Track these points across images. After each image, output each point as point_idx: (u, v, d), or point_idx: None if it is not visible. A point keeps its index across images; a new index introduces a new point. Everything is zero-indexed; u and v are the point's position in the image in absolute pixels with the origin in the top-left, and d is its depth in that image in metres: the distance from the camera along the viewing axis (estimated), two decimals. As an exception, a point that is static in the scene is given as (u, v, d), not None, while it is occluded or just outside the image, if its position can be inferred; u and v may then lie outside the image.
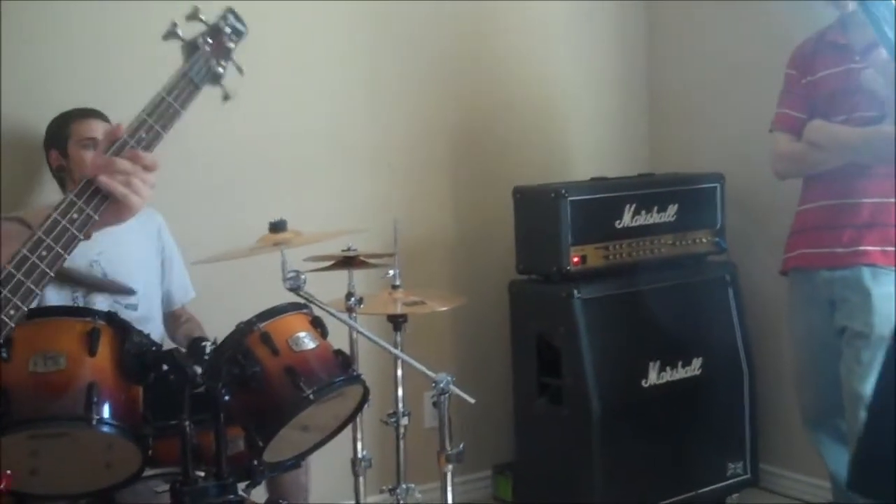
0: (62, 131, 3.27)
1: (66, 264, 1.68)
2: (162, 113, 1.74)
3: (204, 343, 2.66)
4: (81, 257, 3.20)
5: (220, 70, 1.84)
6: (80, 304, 3.10)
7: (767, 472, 4.33)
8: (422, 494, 3.47)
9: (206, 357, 2.65)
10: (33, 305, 1.67)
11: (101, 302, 3.15)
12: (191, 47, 1.82)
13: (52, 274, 1.63)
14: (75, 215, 1.64)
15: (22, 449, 2.29)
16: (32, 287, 1.61)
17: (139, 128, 1.73)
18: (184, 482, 2.41)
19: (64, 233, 1.64)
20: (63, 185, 3.30)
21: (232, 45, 1.88)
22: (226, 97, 1.88)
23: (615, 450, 3.85)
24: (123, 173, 1.68)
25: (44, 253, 1.62)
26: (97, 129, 3.25)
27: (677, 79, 4.74)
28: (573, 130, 4.69)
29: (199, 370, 2.51)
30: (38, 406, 2.26)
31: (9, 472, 1.70)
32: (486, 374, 4.24)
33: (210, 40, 1.84)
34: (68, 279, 2.99)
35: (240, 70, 1.89)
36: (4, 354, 2.26)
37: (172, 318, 3.47)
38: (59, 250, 1.63)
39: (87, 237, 1.69)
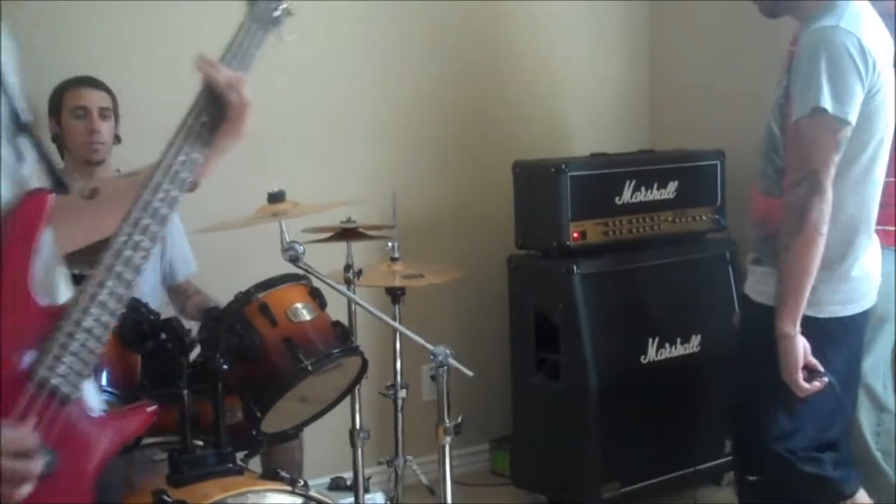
0: (56, 100, 3.27)
1: None
2: (240, 58, 1.82)
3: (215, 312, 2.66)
4: None
5: (277, 14, 1.90)
6: None
7: (764, 449, 4.34)
8: (419, 467, 3.48)
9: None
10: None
11: None
12: None
13: (171, 214, 1.65)
14: (183, 157, 1.69)
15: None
16: (157, 229, 1.64)
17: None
18: (182, 451, 2.40)
19: (176, 175, 1.68)
20: (61, 153, 3.29)
21: None
22: (279, 42, 1.92)
23: (612, 426, 3.86)
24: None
25: (161, 195, 1.65)
26: (88, 98, 3.24)
27: (679, 54, 4.73)
28: (574, 105, 4.68)
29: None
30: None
31: (151, 408, 1.70)
32: (484, 349, 4.24)
33: None
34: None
35: (288, 13, 1.92)
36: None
37: (179, 293, 3.45)
38: (175, 191, 1.67)
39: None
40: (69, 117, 3.24)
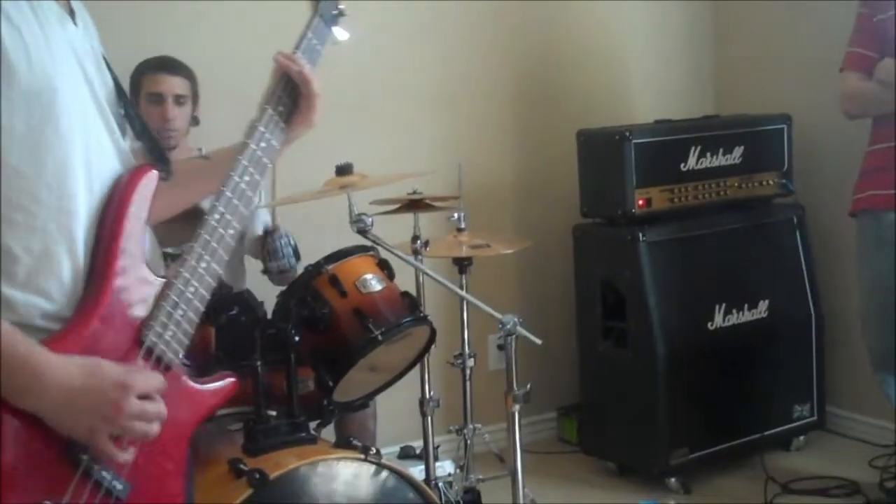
0: (135, 83, 3.28)
1: None
2: (309, 53, 1.96)
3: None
4: None
5: (336, 12, 2.05)
6: None
7: (834, 414, 4.31)
8: (489, 435, 3.51)
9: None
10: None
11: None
12: None
13: (253, 196, 1.76)
14: (263, 144, 1.79)
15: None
16: (244, 211, 1.74)
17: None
18: (257, 421, 2.45)
19: (259, 160, 1.78)
20: None
21: None
22: (335, 41, 2.08)
23: (680, 393, 3.86)
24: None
25: (247, 178, 1.75)
26: (164, 84, 3.26)
27: (744, 18, 4.67)
28: (637, 72, 4.65)
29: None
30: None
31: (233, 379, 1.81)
32: (550, 317, 4.25)
33: None
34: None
35: (343, 13, 2.09)
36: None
37: (257, 243, 3.48)
38: (257, 177, 1.77)
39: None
40: (145, 102, 3.26)
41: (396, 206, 3.20)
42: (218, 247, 1.69)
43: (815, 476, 3.86)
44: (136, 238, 1.63)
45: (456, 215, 3.30)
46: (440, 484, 3.20)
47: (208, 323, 2.44)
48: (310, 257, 2.74)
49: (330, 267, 2.65)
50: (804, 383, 4.18)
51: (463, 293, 2.96)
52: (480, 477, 3.39)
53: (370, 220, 2.66)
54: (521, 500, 2.69)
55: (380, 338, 2.56)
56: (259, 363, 2.45)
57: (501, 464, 3.46)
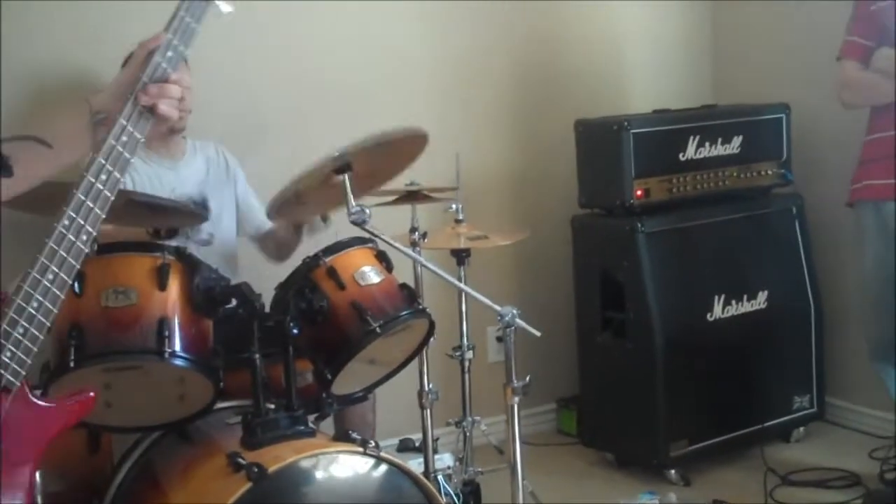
0: None
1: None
2: (183, 32, 1.84)
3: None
4: (162, 190, 3.25)
5: None
6: None
7: (833, 405, 4.31)
8: (488, 427, 3.50)
9: None
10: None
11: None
12: None
13: (112, 197, 1.71)
14: (125, 138, 1.74)
15: (96, 382, 2.33)
16: (99, 212, 1.69)
17: (167, 48, 1.82)
18: (255, 414, 2.44)
19: (118, 157, 1.74)
20: None
21: None
22: (223, 12, 1.96)
23: (679, 384, 3.85)
24: (172, 97, 1.80)
25: (104, 177, 1.70)
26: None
27: (742, 7, 4.65)
28: (635, 62, 4.63)
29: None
30: (111, 340, 2.31)
31: (91, 393, 1.78)
32: (549, 309, 4.24)
33: None
34: (147, 206, 3.00)
35: None
36: (77, 289, 2.30)
37: (270, 237, 3.49)
38: (116, 174, 1.72)
39: None
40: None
41: (394, 197, 3.18)
42: (67, 255, 1.64)
43: (814, 467, 3.86)
44: None
45: (454, 207, 3.29)
46: (439, 476, 3.19)
47: (206, 316, 2.42)
48: (307, 249, 2.72)
49: (328, 259, 2.64)
50: (804, 374, 4.18)
51: (461, 285, 2.95)
52: (480, 469, 3.39)
53: (368, 211, 2.64)
54: (521, 493, 2.68)
55: (378, 330, 2.56)
56: (257, 356, 2.44)
57: (500, 456, 3.45)
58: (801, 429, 4.20)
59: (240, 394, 2.57)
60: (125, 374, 2.35)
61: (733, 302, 3.99)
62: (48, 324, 1.64)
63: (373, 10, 3.99)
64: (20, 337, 1.60)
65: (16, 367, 1.60)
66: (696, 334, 3.91)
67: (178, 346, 2.33)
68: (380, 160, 2.70)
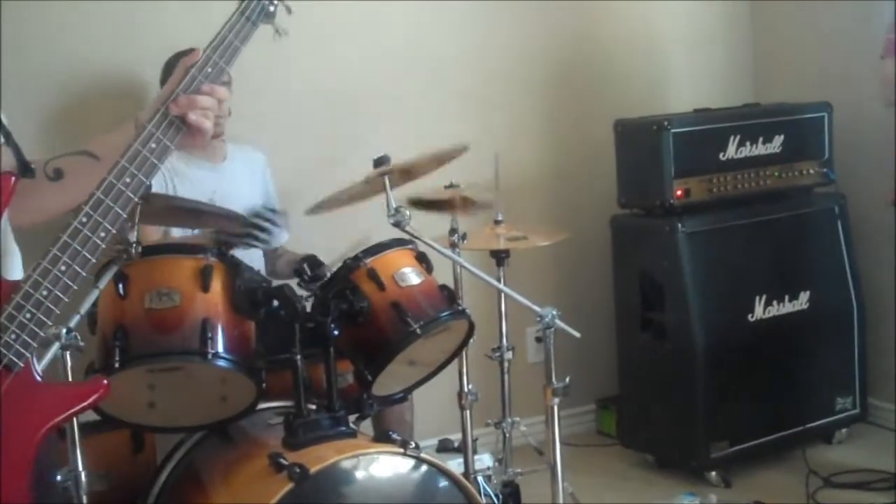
0: (171, 69, 3.31)
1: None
2: (224, 49, 1.86)
3: (317, 261, 2.69)
4: (199, 195, 3.29)
5: (272, 8, 1.94)
6: None
7: (876, 406, 4.26)
8: (527, 427, 3.50)
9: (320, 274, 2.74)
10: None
11: None
12: None
13: (136, 199, 1.76)
14: (153, 145, 1.77)
15: (140, 383, 2.37)
16: (119, 212, 1.73)
17: (205, 64, 1.84)
18: (297, 415, 2.45)
19: (144, 161, 1.76)
20: None
21: None
22: (277, 34, 1.98)
23: (720, 385, 3.83)
24: (204, 108, 1.81)
25: (127, 180, 1.74)
26: None
27: (783, 4, 4.61)
28: (675, 61, 4.61)
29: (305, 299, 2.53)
30: (155, 341, 2.32)
31: (105, 381, 1.84)
32: (589, 309, 4.22)
33: None
34: (187, 212, 3.02)
35: (288, 10, 1.98)
36: (121, 291, 2.33)
37: (271, 255, 3.52)
38: (142, 177, 1.75)
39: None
40: None
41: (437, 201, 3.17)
42: (82, 249, 1.70)
43: (857, 469, 3.82)
44: None
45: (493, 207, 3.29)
46: (479, 477, 3.19)
47: (248, 317, 2.44)
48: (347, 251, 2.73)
49: (368, 260, 2.65)
50: (846, 375, 4.14)
51: (501, 286, 2.96)
52: (519, 470, 3.38)
53: (407, 213, 2.65)
54: (560, 494, 2.69)
55: (418, 331, 2.56)
56: (298, 357, 2.45)
57: (540, 457, 3.45)
58: (844, 430, 4.17)
59: (281, 395, 2.58)
60: (168, 374, 2.37)
61: (775, 302, 3.96)
62: (57, 311, 1.70)
63: (411, 14, 4.00)
64: (26, 321, 1.66)
65: (19, 348, 1.66)
66: (737, 335, 3.88)
67: (220, 348, 2.34)
68: (420, 164, 2.72)
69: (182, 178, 3.30)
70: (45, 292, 1.67)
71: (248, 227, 2.84)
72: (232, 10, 1.90)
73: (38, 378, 1.72)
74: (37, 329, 1.67)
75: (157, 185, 3.21)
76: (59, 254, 1.69)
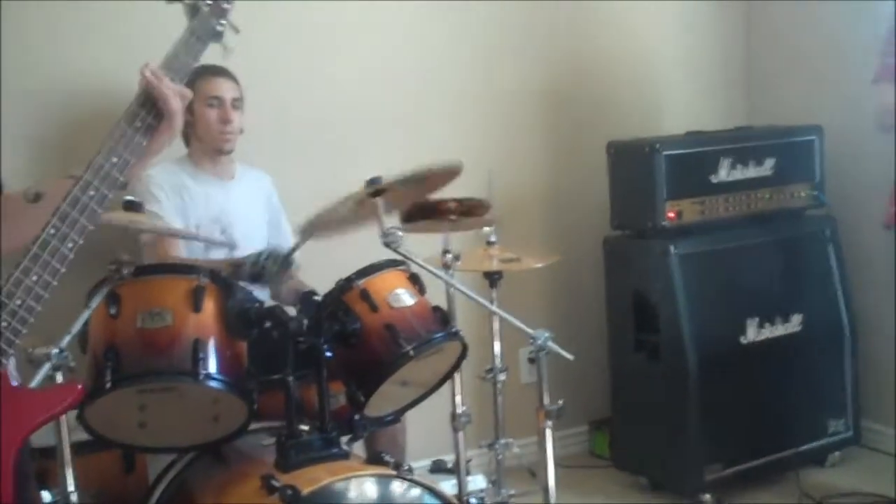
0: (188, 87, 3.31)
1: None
2: (178, 66, 1.97)
3: (315, 296, 2.69)
4: (208, 212, 3.29)
5: (220, 28, 2.03)
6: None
7: (869, 429, 4.26)
8: (520, 449, 3.49)
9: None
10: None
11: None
12: (192, 9, 2.02)
13: (101, 210, 1.84)
14: (115, 159, 1.86)
15: (131, 403, 2.36)
16: (86, 223, 1.81)
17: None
18: (289, 436, 2.44)
19: (108, 174, 1.85)
20: (187, 141, 3.38)
21: (227, 5, 2.05)
22: (225, 53, 2.07)
23: (713, 407, 3.83)
24: (169, 87, 1.93)
25: (91, 193, 1.83)
26: (222, 88, 3.32)
27: (776, 29, 4.64)
28: (668, 84, 4.63)
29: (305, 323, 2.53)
30: (146, 361, 2.32)
31: (80, 385, 1.91)
32: (581, 330, 4.23)
33: (209, 1, 2.03)
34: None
35: (235, 29, 2.06)
36: (113, 311, 2.33)
37: None
38: (104, 190, 1.84)
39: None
40: (202, 105, 3.30)
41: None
42: (52, 259, 1.76)
43: (850, 492, 3.82)
44: None
45: (486, 228, 3.29)
46: (472, 499, 3.17)
47: (240, 338, 2.43)
48: (340, 272, 2.73)
49: (361, 282, 2.65)
50: (839, 398, 4.14)
51: (493, 308, 2.95)
52: (512, 492, 3.38)
53: (400, 234, 2.65)
54: (554, 516, 2.68)
55: (411, 353, 2.55)
56: (291, 378, 2.45)
57: (533, 478, 3.43)
58: (837, 453, 4.16)
59: (273, 415, 2.58)
60: (160, 395, 2.36)
61: (767, 325, 3.96)
62: (31, 319, 1.76)
63: (406, 32, 4.02)
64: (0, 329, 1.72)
65: None
66: (730, 357, 3.89)
67: (212, 368, 2.34)
68: (414, 186, 2.72)
69: (191, 193, 3.32)
70: (18, 302, 1.73)
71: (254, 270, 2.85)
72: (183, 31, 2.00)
73: (15, 384, 1.74)
74: (12, 337, 1.72)
75: (169, 202, 3.24)
76: (31, 265, 1.75)
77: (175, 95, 1.91)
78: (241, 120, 3.41)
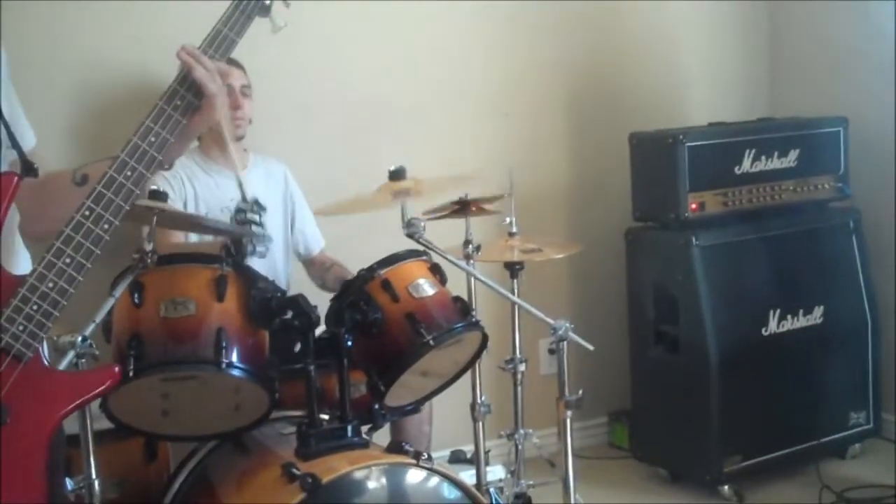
0: None
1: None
2: (221, 42, 1.92)
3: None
4: (219, 202, 3.31)
5: (268, 2, 1.98)
6: None
7: (890, 421, 4.25)
8: (539, 440, 3.49)
9: None
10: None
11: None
12: None
13: (137, 191, 1.82)
14: (153, 138, 1.83)
15: (154, 391, 2.37)
16: (122, 204, 1.80)
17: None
18: (309, 425, 2.45)
19: (144, 155, 1.82)
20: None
21: None
22: (274, 29, 2.00)
23: (733, 399, 3.82)
24: (209, 70, 1.88)
25: (128, 173, 1.81)
26: (231, 75, 3.32)
27: (799, 18, 4.61)
28: (690, 74, 4.61)
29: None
30: (170, 350, 2.33)
31: (116, 368, 1.88)
32: (602, 322, 4.22)
33: None
34: (197, 226, 3.05)
35: (285, 2, 2.01)
36: (136, 300, 2.34)
37: (317, 265, 3.56)
38: (142, 170, 1.82)
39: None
40: None
41: (447, 211, 3.18)
42: (86, 241, 1.75)
43: (870, 485, 3.81)
44: None
45: (507, 219, 3.29)
46: (491, 489, 3.19)
47: (262, 327, 2.45)
48: (362, 261, 2.74)
49: (382, 271, 2.65)
50: (860, 390, 4.13)
51: (514, 298, 2.96)
52: (531, 482, 3.37)
53: (422, 224, 2.66)
54: (572, 506, 2.69)
55: (432, 343, 2.56)
56: (312, 367, 2.46)
57: (552, 469, 3.44)
58: (857, 445, 4.16)
59: (294, 404, 2.59)
60: (183, 383, 2.38)
61: (789, 317, 3.95)
62: (63, 302, 1.74)
63: (432, 27, 4.02)
64: (32, 312, 1.70)
65: (27, 338, 1.70)
66: (751, 349, 3.88)
67: (234, 357, 2.34)
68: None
69: (200, 183, 3.33)
70: (50, 284, 1.72)
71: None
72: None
73: (50, 368, 1.75)
74: (44, 320, 1.71)
75: (178, 190, 3.26)
76: (63, 247, 1.74)
77: (215, 75, 1.88)
78: (250, 107, 3.43)
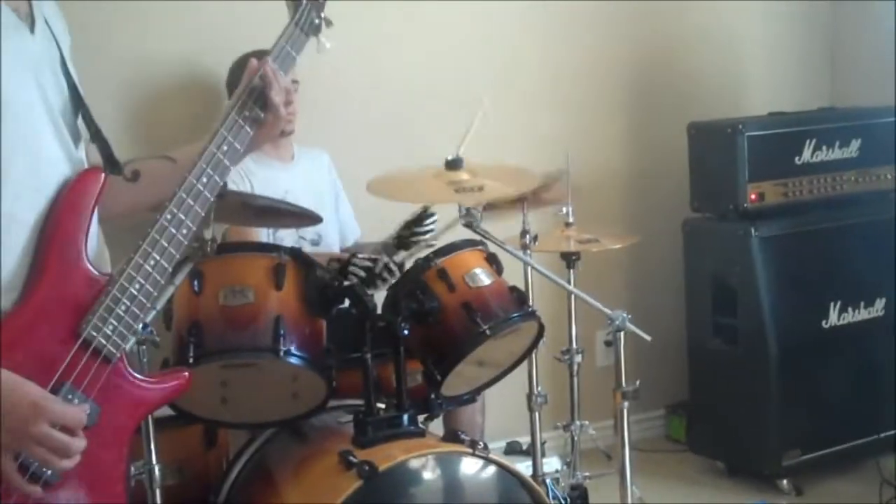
0: (241, 72, 3.35)
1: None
2: (283, 59, 1.97)
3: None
4: (273, 194, 3.33)
5: (317, 22, 2.04)
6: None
7: (952, 417, 4.17)
8: (595, 431, 3.48)
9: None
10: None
11: (285, 238, 3.24)
12: (296, 2, 2.02)
13: (212, 198, 1.85)
14: (225, 147, 1.87)
15: (213, 379, 2.40)
16: (199, 210, 1.82)
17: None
18: (366, 413, 2.46)
19: (219, 162, 1.86)
20: None
21: None
22: (320, 48, 2.07)
23: (793, 392, 3.78)
24: (284, 88, 1.94)
25: (205, 180, 1.83)
26: None
27: (861, 7, 4.54)
28: (750, 63, 4.57)
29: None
30: (229, 338, 2.36)
31: (186, 373, 1.90)
32: (659, 313, 4.18)
33: None
34: (263, 211, 3.06)
35: (328, 23, 2.06)
36: (196, 288, 2.37)
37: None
38: (217, 178, 1.85)
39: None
40: None
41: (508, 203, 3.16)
42: (168, 245, 1.77)
43: (932, 480, 3.75)
44: (75, 237, 1.71)
45: (564, 209, 3.27)
46: (547, 480, 3.18)
47: (320, 315, 2.46)
48: (419, 251, 2.75)
49: (439, 261, 2.65)
50: (922, 385, 4.06)
51: (571, 288, 2.95)
52: (587, 474, 3.36)
53: (478, 214, 2.66)
54: (630, 499, 2.67)
55: (488, 332, 2.55)
56: (369, 356, 2.46)
57: (608, 461, 3.43)
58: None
59: (351, 393, 2.60)
60: (241, 371, 2.40)
61: (850, 309, 3.90)
62: (149, 304, 1.76)
63: (485, 14, 4.00)
64: (122, 313, 1.71)
65: (117, 339, 1.71)
66: (811, 342, 3.83)
67: (292, 345, 2.36)
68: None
69: (256, 178, 3.35)
70: (137, 286, 1.73)
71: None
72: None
73: (129, 371, 1.76)
74: (132, 322, 1.73)
75: (239, 187, 3.28)
76: (149, 249, 1.75)
77: (283, 93, 1.92)
78: (298, 102, 3.44)
